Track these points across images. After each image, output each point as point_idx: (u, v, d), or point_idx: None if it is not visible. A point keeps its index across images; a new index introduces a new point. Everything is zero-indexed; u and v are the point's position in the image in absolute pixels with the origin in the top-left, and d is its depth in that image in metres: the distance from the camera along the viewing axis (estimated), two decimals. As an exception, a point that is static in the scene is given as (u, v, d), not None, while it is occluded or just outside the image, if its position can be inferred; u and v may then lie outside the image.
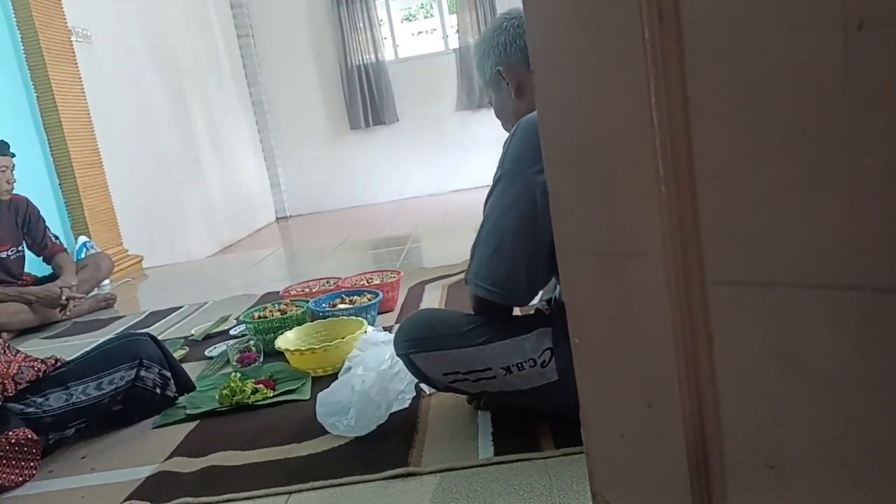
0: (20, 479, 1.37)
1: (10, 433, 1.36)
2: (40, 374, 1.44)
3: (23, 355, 1.44)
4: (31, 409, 1.41)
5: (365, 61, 6.61)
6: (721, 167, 0.52)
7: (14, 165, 2.88)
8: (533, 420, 1.28)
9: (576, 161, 0.59)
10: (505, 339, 1.22)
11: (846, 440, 0.50)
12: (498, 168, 1.19)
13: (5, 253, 2.91)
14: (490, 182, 1.21)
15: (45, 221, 3.07)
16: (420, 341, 1.28)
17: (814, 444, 0.54)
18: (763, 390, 0.55)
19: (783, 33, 0.44)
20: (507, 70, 1.28)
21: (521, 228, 1.14)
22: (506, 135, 1.29)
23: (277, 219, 7.06)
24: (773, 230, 0.51)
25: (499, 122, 1.39)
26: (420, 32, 7.11)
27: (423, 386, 1.49)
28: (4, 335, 2.55)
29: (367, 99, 6.69)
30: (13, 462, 1.37)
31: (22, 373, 1.40)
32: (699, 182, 0.53)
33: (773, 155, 0.49)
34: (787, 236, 0.50)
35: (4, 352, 1.40)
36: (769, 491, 0.56)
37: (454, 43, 6.67)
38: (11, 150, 2.86)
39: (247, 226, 6.21)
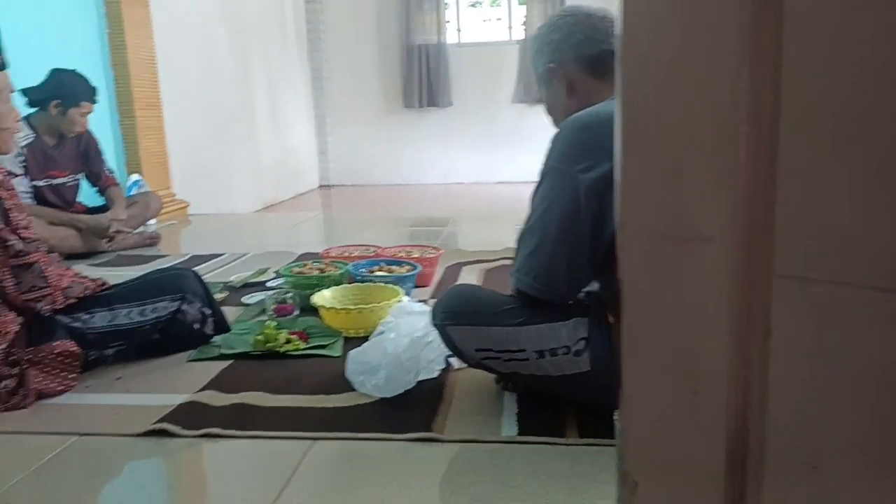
0: (60, 388, 1.44)
1: (55, 343, 1.42)
2: (88, 291, 1.49)
3: (74, 271, 1.50)
4: (76, 325, 1.47)
5: (427, 42, 6.61)
6: (806, 160, 0.52)
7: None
8: (559, 407, 1.29)
9: (653, 142, 0.59)
10: (541, 324, 1.23)
11: (894, 450, 0.50)
12: (544, 164, 1.20)
13: (63, 179, 3.00)
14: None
15: (103, 154, 3.17)
16: (458, 314, 1.30)
17: (859, 451, 0.55)
18: (813, 391, 0.55)
19: (886, 30, 0.44)
20: (559, 67, 1.28)
21: (564, 226, 1.15)
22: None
23: (320, 186, 7.15)
24: (850, 229, 0.51)
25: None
26: (487, 20, 7.07)
27: (452, 360, 1.51)
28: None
29: (424, 80, 6.70)
30: (55, 371, 1.43)
31: (72, 288, 1.46)
32: (780, 173, 0.53)
33: (862, 153, 0.49)
34: (864, 237, 0.50)
35: (57, 265, 1.46)
36: (806, 491, 0.57)
37: (519, 34, 6.63)
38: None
39: (291, 188, 6.30)
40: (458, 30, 6.86)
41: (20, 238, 1.37)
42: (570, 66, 1.27)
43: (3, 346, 1.36)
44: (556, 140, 1.17)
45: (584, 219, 1.11)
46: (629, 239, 0.62)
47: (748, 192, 0.54)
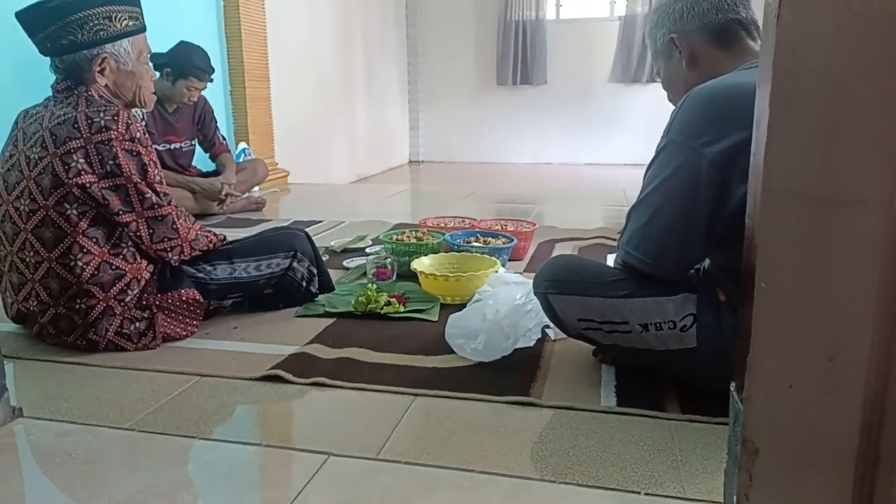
0: (184, 332, 1.56)
1: (182, 291, 1.54)
2: (212, 245, 1.60)
3: (199, 225, 1.61)
4: (200, 275, 1.58)
5: (524, 17, 6.53)
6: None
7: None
8: (659, 382, 1.28)
9: (805, 100, 0.58)
10: (647, 297, 1.21)
11: None
12: (662, 137, 1.17)
13: (179, 144, 3.20)
14: (635, 161, 1.19)
15: (217, 122, 3.35)
16: (561, 283, 1.30)
17: None
18: (968, 362, 0.53)
19: None
20: (682, 38, 1.24)
21: (681, 200, 1.12)
22: (657, 113, 1.26)
23: (410, 161, 7.26)
24: None
25: (650, 99, 1.35)
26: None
27: (549, 331, 1.52)
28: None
29: (520, 56, 6.64)
30: (181, 317, 1.55)
31: (198, 240, 1.56)
32: (949, 135, 0.51)
33: None
34: None
35: (185, 219, 1.57)
36: (950, 465, 0.55)
37: (621, 10, 6.43)
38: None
39: (383, 162, 6.44)
40: (559, 5, 6.73)
41: (155, 192, 1.48)
42: (694, 36, 1.23)
43: (136, 291, 1.49)
44: (678, 112, 1.14)
45: (703, 194, 1.09)
46: (771, 203, 0.61)
47: (911, 152, 0.52)
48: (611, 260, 1.65)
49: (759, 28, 1.22)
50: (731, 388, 0.74)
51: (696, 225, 1.12)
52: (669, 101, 1.33)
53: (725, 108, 1.07)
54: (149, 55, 1.60)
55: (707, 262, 1.28)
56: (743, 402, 0.68)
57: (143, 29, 1.57)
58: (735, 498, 0.69)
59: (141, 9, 1.56)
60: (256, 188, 3.67)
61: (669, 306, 1.20)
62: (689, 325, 1.18)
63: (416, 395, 1.27)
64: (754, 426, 0.67)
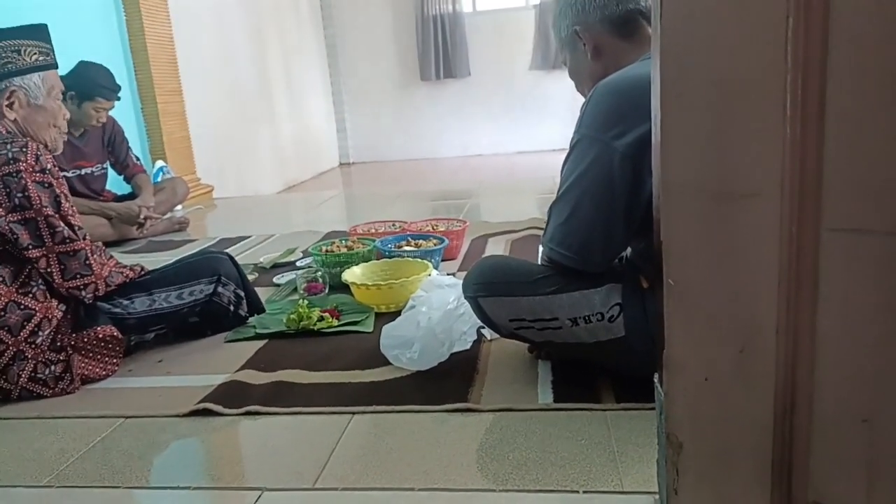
0: (103, 372, 1.48)
1: (98, 329, 1.46)
2: (128, 279, 1.52)
3: (115, 261, 1.53)
4: (117, 310, 1.50)
5: (442, 11, 6.53)
6: (855, 110, 0.51)
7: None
8: (594, 373, 1.29)
9: (695, 96, 0.58)
10: (574, 291, 1.22)
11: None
12: (575, 132, 1.17)
13: (90, 169, 3.05)
14: (561, 146, 1.19)
15: (128, 142, 3.20)
16: (489, 286, 1.30)
17: (914, 402, 0.53)
18: (866, 342, 0.54)
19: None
20: (585, 30, 1.25)
21: (598, 193, 1.13)
22: (579, 98, 1.27)
23: (341, 164, 7.16)
24: (905, 179, 0.49)
25: (572, 85, 1.36)
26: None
27: (484, 331, 1.52)
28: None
29: (441, 50, 6.64)
30: (98, 356, 1.47)
31: (112, 276, 1.49)
32: (828, 125, 0.52)
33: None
34: (919, 186, 0.48)
35: (100, 255, 1.49)
36: (858, 444, 0.56)
37: (535, -1, 6.51)
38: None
39: (311, 168, 6.32)
40: (473, -3, 6.76)
41: (69, 225, 1.41)
42: (597, 27, 1.24)
43: (49, 332, 1.40)
44: (586, 107, 1.15)
45: (618, 186, 1.10)
46: (672, 198, 0.61)
47: (795, 144, 0.53)
48: (542, 251, 1.66)
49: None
50: (655, 380, 0.74)
51: (615, 217, 1.13)
52: (577, 90, 1.34)
53: (631, 100, 1.08)
54: (61, 92, 1.53)
55: (629, 250, 1.30)
56: (663, 398, 0.69)
57: (54, 65, 1.52)
58: (665, 491, 0.70)
59: (52, 45, 1.53)
60: (179, 207, 3.54)
61: (596, 298, 1.21)
62: (616, 315, 1.20)
63: (353, 413, 1.25)
64: (676, 421, 0.68)
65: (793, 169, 0.54)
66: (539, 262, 1.33)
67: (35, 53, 1.47)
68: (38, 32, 1.49)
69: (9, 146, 1.38)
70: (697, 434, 0.66)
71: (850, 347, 0.56)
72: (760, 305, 0.59)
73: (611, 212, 1.13)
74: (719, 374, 0.63)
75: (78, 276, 1.42)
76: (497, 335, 1.42)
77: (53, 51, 1.52)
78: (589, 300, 1.21)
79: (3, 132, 1.44)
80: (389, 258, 2.04)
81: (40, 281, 1.42)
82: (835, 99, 0.51)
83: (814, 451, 0.60)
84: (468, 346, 1.45)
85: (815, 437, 0.59)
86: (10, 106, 1.45)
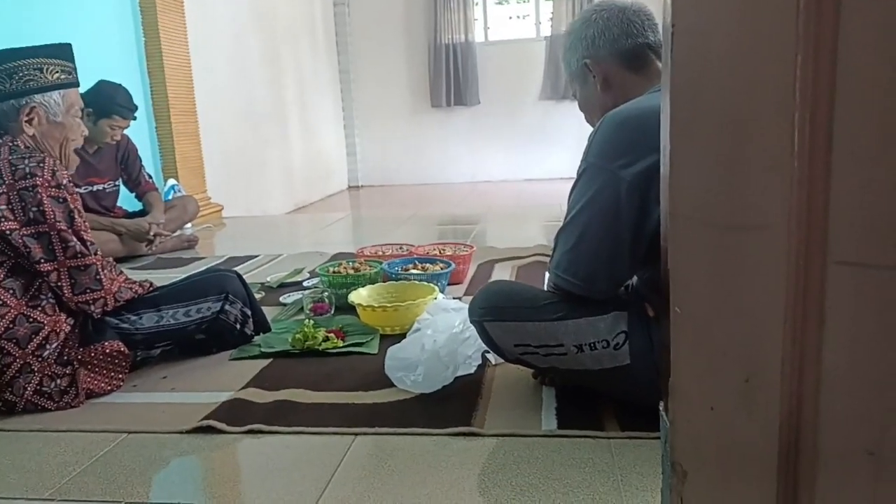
0: (108, 387, 1.48)
1: (105, 343, 1.46)
2: (136, 295, 1.53)
3: (124, 276, 1.55)
4: (124, 325, 1.51)
5: (454, 41, 6.63)
6: (862, 146, 0.52)
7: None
8: (598, 401, 1.29)
9: (704, 129, 0.59)
10: (580, 318, 1.22)
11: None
12: (582, 161, 1.19)
13: (102, 185, 3.08)
14: (569, 175, 1.21)
15: (141, 160, 3.24)
16: (495, 310, 1.30)
17: (919, 436, 0.53)
18: (871, 376, 0.55)
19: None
20: (595, 63, 1.27)
21: (604, 222, 1.14)
22: (587, 128, 1.29)
23: (349, 187, 7.21)
24: (910, 214, 0.50)
25: (581, 115, 1.39)
26: (513, 17, 7.06)
27: (489, 356, 1.52)
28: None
29: (452, 78, 6.72)
30: (104, 371, 1.47)
31: (122, 292, 1.50)
32: (835, 159, 0.52)
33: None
34: (925, 222, 0.49)
35: (111, 270, 1.51)
36: (863, 478, 0.56)
37: (546, 30, 6.60)
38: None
39: (320, 190, 6.37)
40: (487, 27, 6.86)
41: (81, 240, 1.43)
42: (607, 60, 1.26)
43: (57, 345, 1.41)
44: (594, 136, 1.17)
45: (624, 215, 1.11)
46: (680, 229, 0.62)
47: (803, 178, 0.54)
48: (548, 278, 1.67)
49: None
50: (661, 408, 0.74)
51: (621, 245, 1.14)
52: (587, 122, 1.36)
53: (639, 130, 1.10)
54: (80, 110, 1.56)
55: (635, 279, 1.31)
56: (668, 427, 0.69)
57: (75, 84, 1.56)
58: (670, 522, 0.70)
59: (74, 65, 1.57)
60: (189, 225, 3.56)
61: (602, 325, 1.21)
62: (621, 343, 1.20)
63: (356, 434, 1.24)
64: (681, 449, 0.67)
65: (800, 202, 0.55)
66: (545, 288, 1.34)
67: (57, 72, 1.50)
68: (62, 51, 1.52)
69: (26, 160, 1.41)
70: (702, 463, 0.66)
71: (855, 380, 0.56)
72: (766, 336, 0.59)
73: (616, 240, 1.14)
74: (725, 403, 0.63)
75: (88, 290, 1.43)
76: (502, 360, 1.42)
77: (76, 69, 1.55)
78: (594, 327, 1.21)
79: (22, 147, 1.47)
80: (396, 281, 2.05)
81: (50, 294, 1.43)
82: (842, 134, 0.52)
83: (819, 482, 0.60)
84: (472, 370, 1.45)
85: (820, 468, 0.59)
86: (30, 122, 1.49)
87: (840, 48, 0.50)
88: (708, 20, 0.60)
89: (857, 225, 0.52)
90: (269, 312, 2.00)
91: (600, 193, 1.13)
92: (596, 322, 1.21)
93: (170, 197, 3.52)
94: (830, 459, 0.58)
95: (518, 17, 6.99)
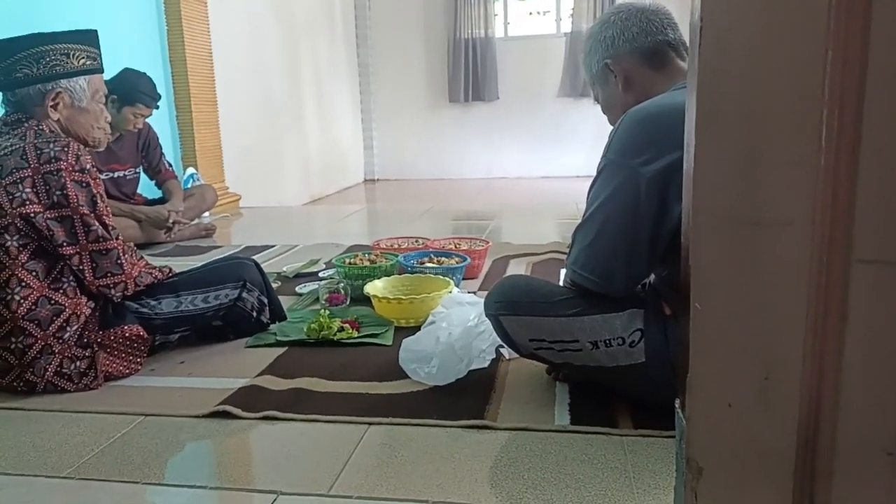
0: (127, 370, 1.50)
1: (125, 327, 1.49)
2: (156, 280, 1.55)
3: (144, 262, 1.57)
4: (144, 310, 1.53)
5: (474, 35, 6.62)
6: (891, 144, 0.51)
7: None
8: (611, 397, 1.28)
9: (730, 125, 0.59)
10: (596, 314, 1.22)
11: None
12: (602, 158, 1.19)
13: (123, 172, 3.12)
14: (586, 173, 1.21)
15: (162, 148, 3.27)
16: (511, 304, 1.31)
17: (940, 437, 0.53)
18: (892, 376, 0.54)
19: None
20: (615, 63, 1.27)
21: (623, 219, 1.14)
22: (606, 126, 1.29)
23: (365, 180, 7.23)
24: (938, 214, 0.50)
25: (599, 113, 1.38)
26: (533, 13, 7.03)
27: (503, 350, 1.52)
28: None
29: (470, 74, 6.71)
30: (123, 354, 1.49)
31: (142, 277, 1.52)
32: (863, 157, 0.52)
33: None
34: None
35: (132, 255, 1.53)
36: (881, 477, 0.56)
37: (566, 27, 6.57)
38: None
39: (337, 182, 6.40)
40: (507, 23, 6.84)
41: (103, 225, 1.45)
42: (627, 59, 1.26)
43: (77, 328, 1.43)
44: (615, 133, 1.16)
45: (643, 212, 1.10)
46: (702, 225, 0.62)
47: (829, 175, 0.54)
48: (563, 274, 1.67)
49: (688, 48, 1.26)
50: (676, 405, 0.74)
51: (639, 242, 1.13)
52: (610, 123, 1.36)
53: (660, 128, 1.10)
54: (104, 95, 1.58)
55: (652, 276, 1.30)
56: (686, 421, 0.69)
57: (100, 70, 1.58)
58: (683, 518, 0.70)
59: (99, 50, 1.58)
60: (206, 214, 3.59)
61: (618, 323, 1.21)
62: (637, 341, 1.19)
63: (370, 423, 1.25)
64: (698, 445, 0.67)
65: (825, 199, 0.55)
66: (562, 284, 1.34)
67: (83, 58, 1.52)
68: (88, 37, 1.54)
69: (51, 145, 1.43)
70: (718, 460, 0.66)
71: (876, 379, 0.56)
72: (787, 333, 0.59)
73: (635, 237, 1.13)
74: (743, 400, 0.63)
75: (109, 274, 1.45)
76: (516, 354, 1.43)
77: (101, 56, 1.57)
78: (610, 324, 1.21)
79: (47, 131, 1.49)
80: (411, 273, 2.06)
81: (71, 278, 1.45)
82: (871, 131, 0.52)
83: (836, 480, 0.60)
84: (486, 364, 1.45)
85: (837, 466, 0.59)
86: (55, 107, 1.51)
87: (871, 44, 0.50)
88: (736, 16, 0.59)
89: (882, 223, 0.52)
90: (285, 302, 2.01)
91: (620, 190, 1.13)
92: (612, 319, 1.21)
93: (189, 185, 3.56)
94: (848, 458, 0.58)
95: (538, 12, 6.96)
